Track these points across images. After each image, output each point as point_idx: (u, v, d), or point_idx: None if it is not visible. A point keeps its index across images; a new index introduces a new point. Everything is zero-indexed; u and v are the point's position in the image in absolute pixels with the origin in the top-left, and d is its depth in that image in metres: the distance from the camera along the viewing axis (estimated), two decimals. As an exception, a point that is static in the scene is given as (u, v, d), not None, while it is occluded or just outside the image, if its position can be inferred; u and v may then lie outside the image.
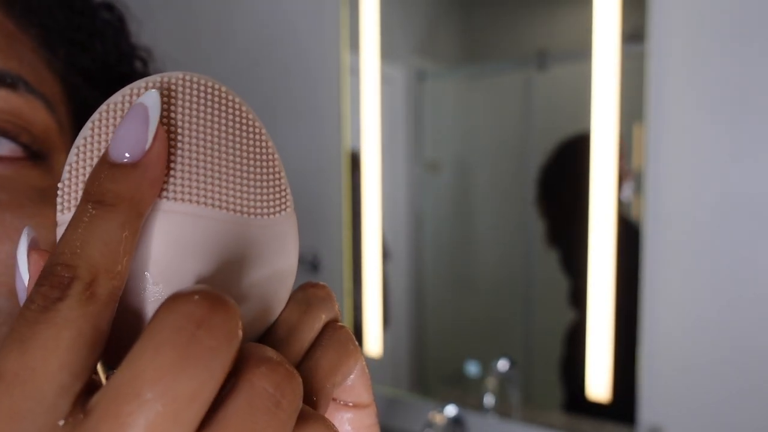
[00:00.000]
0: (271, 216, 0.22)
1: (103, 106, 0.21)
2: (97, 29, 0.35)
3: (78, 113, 0.34)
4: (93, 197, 0.18)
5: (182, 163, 0.21)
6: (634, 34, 0.84)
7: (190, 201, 0.21)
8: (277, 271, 0.22)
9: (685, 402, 0.85)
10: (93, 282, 0.17)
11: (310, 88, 1.17)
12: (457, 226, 1.08)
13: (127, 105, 0.21)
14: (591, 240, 0.88)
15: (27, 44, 0.31)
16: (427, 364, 1.14)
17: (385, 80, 1.10)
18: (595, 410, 0.91)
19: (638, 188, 0.85)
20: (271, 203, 0.22)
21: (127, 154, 0.19)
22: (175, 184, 0.21)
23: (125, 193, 0.19)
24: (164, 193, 0.20)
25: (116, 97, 0.21)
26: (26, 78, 0.29)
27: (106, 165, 0.19)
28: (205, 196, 0.21)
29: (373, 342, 1.14)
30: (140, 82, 0.21)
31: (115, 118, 0.21)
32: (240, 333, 0.16)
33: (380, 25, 1.08)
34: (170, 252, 0.20)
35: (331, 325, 0.23)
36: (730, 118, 0.80)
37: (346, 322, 1.16)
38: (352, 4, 1.09)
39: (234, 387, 0.17)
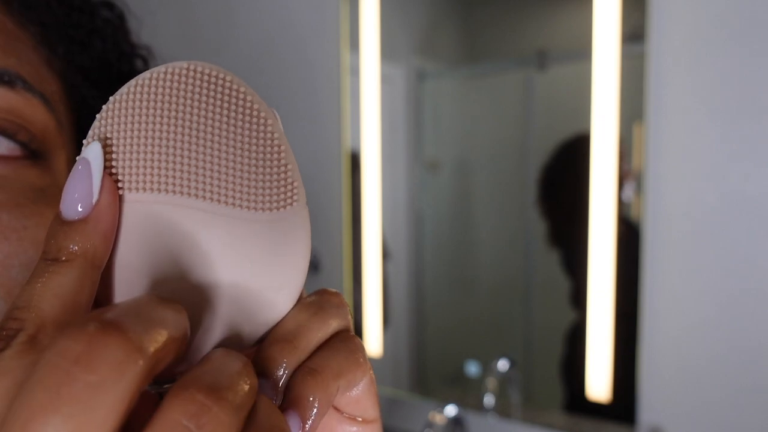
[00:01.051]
0: (274, 210, 0.21)
1: (111, 99, 0.21)
2: (97, 27, 0.35)
3: (78, 112, 0.33)
4: (49, 255, 0.19)
5: (169, 153, 0.21)
6: (634, 34, 0.84)
7: (173, 191, 0.21)
8: (278, 266, 0.22)
9: (685, 402, 0.85)
10: (37, 333, 0.17)
11: (310, 88, 1.17)
12: (457, 226, 1.08)
13: (131, 98, 0.21)
14: (591, 240, 0.88)
15: (26, 42, 0.31)
16: (427, 364, 1.14)
17: (385, 80, 1.10)
18: (595, 410, 0.91)
19: (638, 188, 0.85)
20: (274, 197, 0.21)
21: (79, 208, 0.19)
22: (149, 175, 0.20)
23: (79, 249, 0.19)
24: (141, 185, 0.20)
25: (123, 89, 0.21)
26: (25, 76, 0.29)
27: (58, 222, 0.19)
28: (188, 186, 0.21)
29: (373, 342, 1.14)
30: (146, 74, 0.21)
31: (120, 111, 0.21)
32: (141, 362, 0.16)
33: (380, 25, 1.08)
34: (137, 245, 0.20)
35: (342, 334, 0.23)
36: (730, 118, 0.80)
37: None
38: (352, 4, 1.09)
39: (150, 420, 0.16)
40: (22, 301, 0.18)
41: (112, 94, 0.35)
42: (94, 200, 0.19)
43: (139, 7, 0.40)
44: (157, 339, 0.17)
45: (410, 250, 1.13)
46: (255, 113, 0.22)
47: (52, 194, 0.30)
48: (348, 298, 1.15)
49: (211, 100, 0.21)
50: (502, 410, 0.99)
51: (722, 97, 0.80)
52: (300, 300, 0.24)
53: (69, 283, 0.18)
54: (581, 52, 0.88)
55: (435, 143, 1.09)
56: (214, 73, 0.22)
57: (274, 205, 0.21)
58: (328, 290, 0.24)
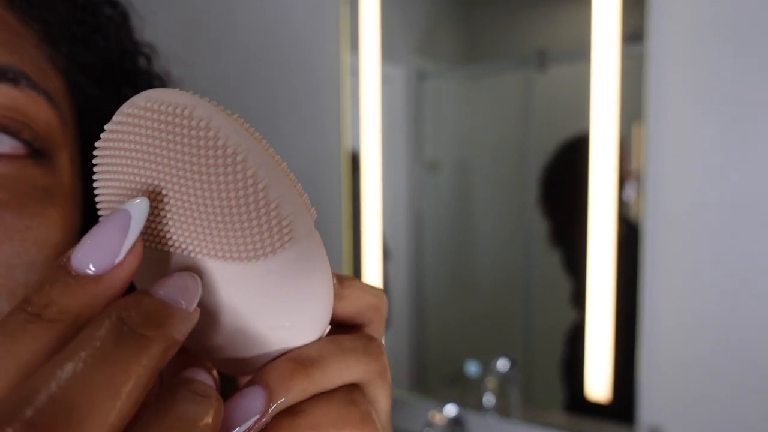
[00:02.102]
0: (262, 258, 0.19)
1: (95, 150, 0.20)
2: (100, 25, 0.35)
3: (81, 110, 0.33)
4: (32, 307, 0.15)
5: (150, 208, 0.19)
6: (633, 34, 0.84)
7: (156, 247, 0.19)
8: (282, 307, 0.20)
9: (685, 402, 0.85)
10: None
11: (310, 88, 1.17)
12: (457, 226, 1.08)
13: (106, 148, 0.19)
14: (591, 240, 0.88)
15: (29, 40, 0.30)
16: (427, 364, 1.14)
17: (385, 80, 1.10)
18: (595, 410, 0.91)
19: (638, 188, 0.85)
20: (258, 243, 0.19)
21: (92, 266, 0.16)
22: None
23: (73, 310, 0.16)
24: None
25: (102, 135, 0.19)
26: (28, 73, 0.29)
27: (62, 271, 0.16)
28: (170, 241, 0.19)
29: (373, 342, 1.14)
30: (113, 118, 0.19)
31: (101, 162, 0.19)
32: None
33: (380, 25, 1.08)
34: None
35: (356, 394, 0.22)
36: (730, 118, 0.80)
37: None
38: (352, 4, 1.09)
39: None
40: None
41: (115, 93, 0.35)
42: (118, 260, 0.17)
43: (140, 7, 0.40)
44: None
45: (410, 250, 1.13)
46: (221, 152, 0.18)
47: (56, 194, 0.30)
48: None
49: (174, 145, 0.18)
50: (502, 410, 1.00)
51: (722, 96, 0.80)
52: (340, 334, 0.23)
53: (39, 352, 0.15)
54: (581, 52, 0.88)
55: (435, 143, 1.09)
56: (171, 109, 0.18)
57: (261, 252, 0.19)
58: (369, 336, 0.24)
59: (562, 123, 0.95)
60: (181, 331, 0.17)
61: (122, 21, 0.36)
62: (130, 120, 0.19)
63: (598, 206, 0.87)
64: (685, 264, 0.84)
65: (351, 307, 0.25)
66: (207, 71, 1.29)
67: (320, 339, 0.22)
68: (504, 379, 1.00)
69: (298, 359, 0.21)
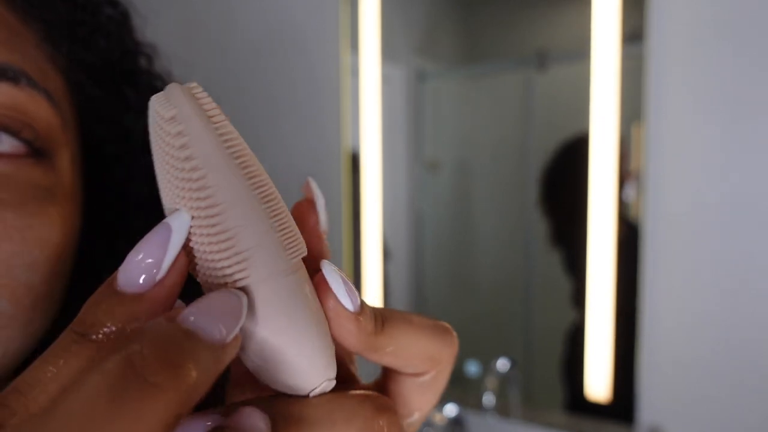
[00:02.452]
0: None
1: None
2: (101, 25, 0.34)
3: (82, 110, 0.33)
4: (79, 326, 0.15)
5: None
6: (633, 34, 0.84)
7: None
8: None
9: (685, 402, 0.85)
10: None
11: (310, 88, 1.17)
12: (457, 226, 1.08)
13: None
14: (591, 240, 0.88)
15: (29, 39, 0.30)
16: (427, 364, 1.14)
17: (385, 80, 1.10)
18: (595, 410, 0.91)
19: (638, 188, 0.85)
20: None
21: (134, 283, 0.16)
22: None
23: (118, 330, 0.16)
24: None
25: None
26: (29, 72, 0.29)
27: (108, 289, 0.16)
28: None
29: (373, 342, 1.14)
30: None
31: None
32: None
33: (380, 25, 1.09)
34: None
35: None
36: (730, 118, 0.80)
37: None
38: (352, 4, 1.09)
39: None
40: (23, 384, 0.15)
41: (116, 93, 0.35)
42: (159, 277, 0.16)
43: (142, 7, 0.40)
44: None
45: (410, 250, 1.13)
46: (186, 164, 0.17)
47: (56, 193, 0.29)
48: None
49: (158, 152, 0.18)
50: (502, 410, 1.00)
51: (722, 96, 0.80)
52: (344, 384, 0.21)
53: (87, 367, 0.15)
54: (581, 52, 0.88)
55: (435, 143, 1.09)
56: (159, 109, 0.18)
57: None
58: (375, 395, 0.20)
59: (562, 123, 0.95)
60: (210, 369, 0.15)
61: (123, 21, 0.36)
62: (149, 121, 0.19)
63: (598, 206, 0.87)
64: (685, 264, 0.84)
65: (395, 360, 0.21)
66: (207, 71, 1.29)
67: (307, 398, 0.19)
68: (504, 379, 1.00)
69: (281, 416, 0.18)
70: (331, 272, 0.19)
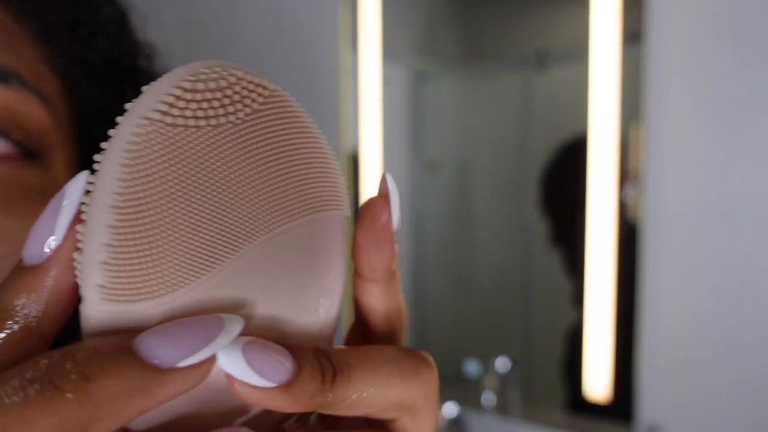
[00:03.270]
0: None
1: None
2: (100, 24, 0.34)
3: (81, 111, 0.33)
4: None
5: None
6: (633, 34, 0.84)
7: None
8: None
9: (685, 401, 0.85)
10: None
11: (309, 88, 1.17)
12: (457, 226, 1.08)
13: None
14: (591, 240, 0.89)
15: (24, 38, 0.30)
16: (427, 364, 1.14)
17: (385, 80, 1.10)
18: (595, 410, 0.91)
19: (638, 188, 0.85)
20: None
21: (35, 253, 0.15)
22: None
23: (19, 307, 0.15)
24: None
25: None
26: (21, 72, 0.28)
27: (14, 269, 0.15)
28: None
29: (373, 342, 1.14)
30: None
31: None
32: None
33: (380, 25, 1.09)
34: None
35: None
36: (730, 118, 0.80)
37: (346, 321, 1.16)
38: (352, 4, 1.09)
39: None
40: None
41: (115, 93, 0.35)
42: (55, 245, 0.15)
43: (141, 6, 0.40)
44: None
45: (410, 250, 1.13)
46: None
47: (49, 194, 0.29)
48: (348, 298, 1.15)
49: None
50: (502, 409, 1.00)
51: (721, 97, 0.80)
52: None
53: None
54: (581, 52, 0.88)
55: (435, 143, 1.09)
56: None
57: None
58: (412, 350, 0.19)
59: (562, 123, 0.95)
60: (142, 392, 0.14)
61: (123, 21, 0.36)
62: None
63: (597, 206, 0.88)
64: (685, 264, 0.84)
65: (355, 412, 0.18)
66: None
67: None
68: (504, 378, 1.00)
69: (329, 357, 0.17)
70: (230, 357, 0.15)
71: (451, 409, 0.97)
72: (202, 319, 0.15)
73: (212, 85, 0.17)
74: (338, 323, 0.21)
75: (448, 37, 1.07)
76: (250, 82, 0.17)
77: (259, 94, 0.17)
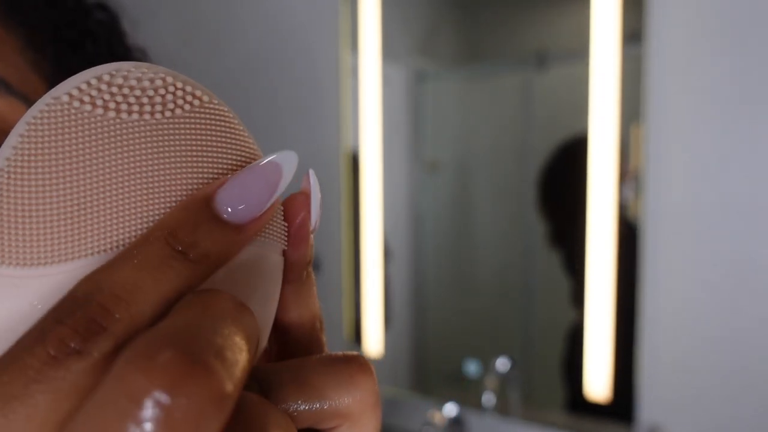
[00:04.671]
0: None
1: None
2: (89, 29, 0.34)
3: None
4: (178, 243, 0.15)
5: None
6: (633, 34, 0.84)
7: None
8: None
9: (685, 401, 0.85)
10: (124, 342, 0.13)
11: (310, 88, 1.17)
12: (457, 226, 1.09)
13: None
14: (591, 240, 0.88)
15: (11, 44, 0.30)
16: (427, 364, 1.14)
17: (385, 80, 1.10)
18: (595, 410, 0.91)
19: (637, 188, 0.85)
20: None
21: (238, 212, 0.16)
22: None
23: (213, 255, 0.15)
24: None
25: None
26: (7, 79, 0.28)
27: (207, 213, 0.15)
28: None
29: (374, 342, 1.15)
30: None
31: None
32: (223, 415, 0.12)
33: (380, 25, 1.09)
34: None
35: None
36: (729, 118, 0.80)
37: (346, 321, 1.16)
38: (352, 4, 1.09)
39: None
40: (119, 286, 0.14)
41: None
42: (260, 213, 0.16)
43: (139, 8, 0.40)
44: (241, 374, 0.13)
45: (410, 250, 1.13)
46: None
47: None
48: (348, 298, 1.15)
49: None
50: (502, 409, 1.00)
51: (721, 97, 0.80)
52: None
53: (180, 290, 0.14)
54: (581, 52, 0.88)
55: (435, 143, 1.09)
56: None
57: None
58: (350, 354, 0.19)
59: (562, 123, 0.95)
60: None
61: (113, 25, 0.36)
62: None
63: (597, 206, 0.88)
64: (685, 264, 0.84)
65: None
66: (207, 72, 1.30)
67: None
68: (504, 378, 1.00)
69: (256, 376, 0.17)
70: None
71: (451, 409, 0.97)
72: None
73: (132, 81, 0.17)
74: (262, 348, 0.19)
75: (448, 37, 1.07)
76: (179, 89, 0.17)
77: (187, 102, 0.17)
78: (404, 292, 1.14)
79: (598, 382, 0.90)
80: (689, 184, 0.83)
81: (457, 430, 0.97)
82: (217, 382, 0.12)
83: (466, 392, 1.04)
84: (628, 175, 0.86)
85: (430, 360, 1.14)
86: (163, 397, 0.12)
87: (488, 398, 1.00)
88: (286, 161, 0.17)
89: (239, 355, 0.13)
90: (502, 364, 1.00)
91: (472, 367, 1.05)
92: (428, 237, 1.11)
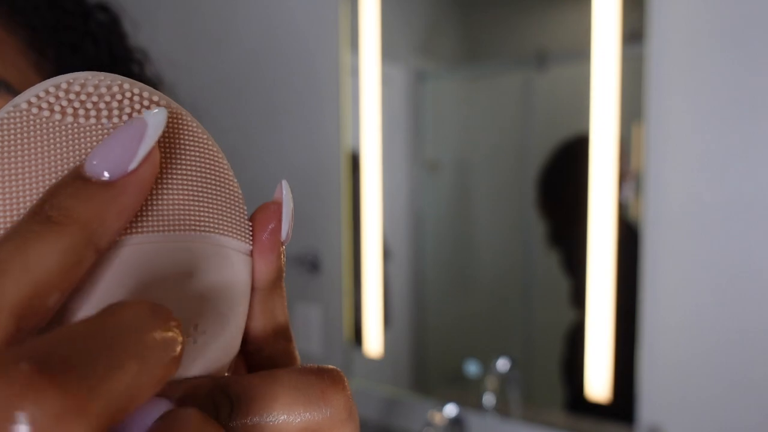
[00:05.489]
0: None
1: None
2: (90, 31, 0.34)
3: None
4: (38, 213, 0.15)
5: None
6: (633, 34, 0.84)
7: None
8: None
9: (685, 401, 0.85)
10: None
11: (310, 88, 1.17)
12: (457, 226, 1.08)
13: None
14: (591, 240, 0.88)
15: (13, 45, 0.30)
16: (427, 364, 1.14)
17: (385, 80, 1.10)
18: (595, 410, 0.91)
19: (638, 188, 0.85)
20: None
21: (105, 172, 0.16)
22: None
23: (81, 215, 0.15)
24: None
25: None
26: (9, 80, 0.29)
27: (70, 177, 0.16)
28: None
29: (373, 342, 1.15)
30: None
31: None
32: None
33: (380, 25, 1.09)
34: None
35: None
36: (729, 118, 0.80)
37: (346, 321, 1.16)
38: (352, 4, 1.09)
39: None
40: None
41: None
42: (131, 167, 0.16)
43: (138, 8, 0.40)
44: (114, 391, 0.12)
45: (410, 250, 1.13)
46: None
47: None
48: (348, 298, 1.15)
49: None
50: (502, 409, 1.00)
51: (721, 97, 0.80)
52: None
53: (51, 255, 0.14)
54: (581, 52, 0.88)
55: (435, 143, 1.09)
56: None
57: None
58: (323, 367, 0.18)
59: (562, 123, 0.95)
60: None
61: (114, 27, 0.36)
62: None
63: (597, 206, 0.87)
64: (685, 264, 0.84)
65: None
66: (208, 72, 1.30)
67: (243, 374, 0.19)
68: (504, 378, 1.00)
69: (227, 390, 0.17)
70: None
71: (451, 409, 0.97)
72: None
73: (90, 89, 0.17)
74: (230, 359, 0.19)
75: (448, 37, 1.07)
76: (136, 95, 0.18)
77: (144, 107, 0.18)
78: (404, 292, 1.14)
79: (598, 382, 0.90)
80: (689, 184, 0.83)
81: (457, 430, 0.97)
82: (71, 397, 0.12)
83: (466, 392, 1.04)
84: (629, 175, 0.86)
85: (430, 360, 1.14)
86: (20, 413, 0.11)
87: (488, 398, 1.00)
88: (151, 116, 0.16)
89: (115, 370, 0.13)
90: (502, 364, 1.00)
91: (472, 368, 1.05)
92: (428, 237, 1.11)
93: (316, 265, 1.18)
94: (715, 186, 0.81)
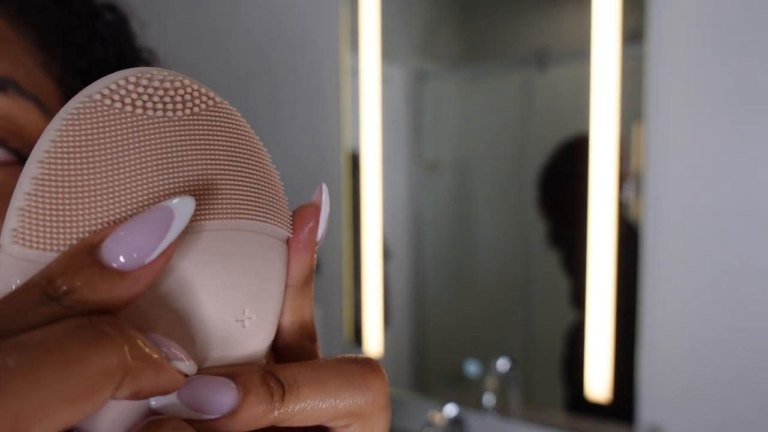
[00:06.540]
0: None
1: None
2: (98, 31, 0.34)
3: None
4: (52, 289, 0.15)
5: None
6: (633, 34, 0.84)
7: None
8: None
9: (685, 401, 0.85)
10: None
11: (310, 88, 1.17)
12: (457, 226, 1.08)
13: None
14: (591, 240, 0.89)
15: (21, 45, 0.30)
16: (427, 364, 1.14)
17: (385, 80, 1.10)
18: (595, 410, 0.91)
19: (638, 188, 0.85)
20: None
21: (121, 259, 0.15)
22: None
23: (91, 302, 0.15)
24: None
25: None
26: (18, 80, 0.29)
27: (86, 257, 0.15)
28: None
29: (373, 342, 1.15)
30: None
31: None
32: None
33: (380, 25, 1.09)
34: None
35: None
36: (730, 118, 0.80)
37: (346, 321, 1.16)
38: (352, 4, 1.09)
39: None
40: None
41: None
42: (149, 260, 0.15)
43: (140, 8, 0.40)
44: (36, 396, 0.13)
45: (410, 250, 1.13)
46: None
47: None
48: (348, 298, 1.15)
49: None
50: (502, 409, 1.00)
51: (721, 97, 0.80)
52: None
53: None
54: (581, 52, 0.88)
55: (435, 143, 1.09)
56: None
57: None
58: (363, 357, 0.20)
59: (562, 123, 0.95)
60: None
61: (121, 27, 0.36)
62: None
63: (598, 206, 0.88)
64: (685, 264, 0.84)
65: (307, 422, 0.19)
66: (208, 72, 1.29)
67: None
68: (504, 378, 1.00)
69: (277, 376, 0.18)
70: (171, 404, 0.17)
71: (451, 409, 0.97)
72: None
73: (156, 83, 0.18)
74: (268, 347, 0.20)
75: (448, 37, 1.07)
76: (195, 90, 0.19)
77: (203, 102, 0.19)
78: (404, 292, 1.14)
79: (598, 382, 0.90)
80: (690, 184, 0.83)
81: (457, 430, 0.97)
82: None
83: (466, 392, 1.04)
84: (629, 175, 0.86)
85: (430, 360, 1.14)
86: None
87: (488, 398, 1.00)
88: (179, 207, 0.16)
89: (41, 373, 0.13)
90: (502, 364, 1.00)
91: (472, 368, 1.05)
92: (428, 237, 1.11)
93: (316, 266, 1.18)
94: (715, 186, 0.81)
